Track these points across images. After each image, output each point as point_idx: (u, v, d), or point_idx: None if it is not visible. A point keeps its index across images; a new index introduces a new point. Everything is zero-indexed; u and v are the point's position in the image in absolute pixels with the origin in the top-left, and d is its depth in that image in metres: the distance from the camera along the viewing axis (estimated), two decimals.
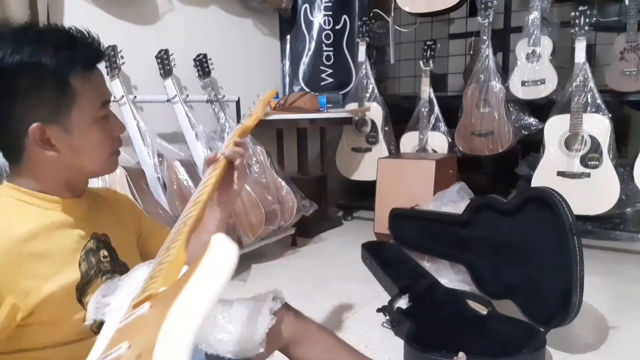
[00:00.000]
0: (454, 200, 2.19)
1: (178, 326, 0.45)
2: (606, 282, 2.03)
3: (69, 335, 0.75)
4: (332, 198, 3.22)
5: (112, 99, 0.86)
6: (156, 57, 2.32)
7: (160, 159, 2.12)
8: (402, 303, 1.73)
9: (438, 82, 3.47)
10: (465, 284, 1.87)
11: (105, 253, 0.83)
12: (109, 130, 0.80)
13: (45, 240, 0.73)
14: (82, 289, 0.76)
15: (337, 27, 3.24)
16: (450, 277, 1.96)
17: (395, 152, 3.07)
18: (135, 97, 2.21)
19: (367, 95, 3.10)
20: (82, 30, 0.79)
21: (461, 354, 1.25)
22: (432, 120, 2.90)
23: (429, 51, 2.85)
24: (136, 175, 1.96)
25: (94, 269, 0.79)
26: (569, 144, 2.40)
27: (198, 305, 0.47)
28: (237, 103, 2.74)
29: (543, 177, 2.46)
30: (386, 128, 3.10)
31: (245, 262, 2.33)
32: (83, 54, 0.76)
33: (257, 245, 2.35)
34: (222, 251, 0.50)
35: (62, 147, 0.75)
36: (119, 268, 0.84)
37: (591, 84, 2.36)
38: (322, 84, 3.27)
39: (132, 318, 0.55)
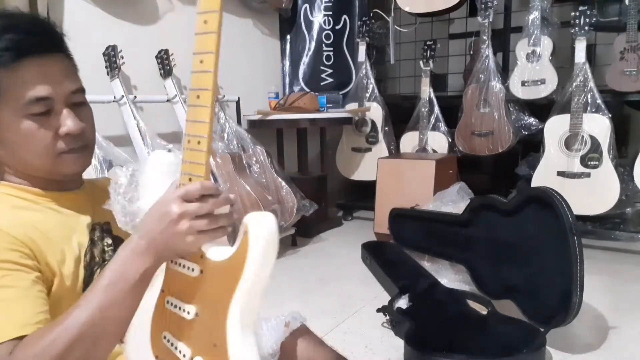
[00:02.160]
0: (454, 200, 2.19)
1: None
2: (606, 282, 2.03)
3: None
4: (332, 198, 3.22)
5: (57, 92, 0.72)
6: (156, 57, 2.32)
7: None
8: (402, 303, 1.74)
9: (438, 82, 3.47)
10: (465, 284, 1.87)
11: (109, 241, 0.83)
12: (48, 127, 0.72)
13: (43, 235, 0.73)
14: (87, 282, 0.77)
15: (337, 27, 3.24)
16: (450, 277, 1.96)
17: (395, 152, 3.07)
18: (135, 97, 2.21)
19: (367, 95, 3.10)
20: (28, 16, 0.72)
21: None
22: (432, 120, 2.90)
23: (429, 51, 2.85)
24: None
25: (95, 259, 0.79)
26: (569, 144, 2.40)
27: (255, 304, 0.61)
28: (237, 103, 2.74)
29: (543, 177, 2.46)
30: (386, 128, 3.10)
31: None
32: (10, 42, 0.68)
33: None
34: (263, 232, 0.58)
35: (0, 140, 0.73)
36: None
37: (591, 84, 2.36)
38: (322, 84, 3.27)
39: (180, 269, 0.65)
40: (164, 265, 0.67)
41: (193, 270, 0.63)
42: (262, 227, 0.58)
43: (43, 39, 0.72)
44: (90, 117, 0.79)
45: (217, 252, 0.62)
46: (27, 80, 0.70)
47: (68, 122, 0.73)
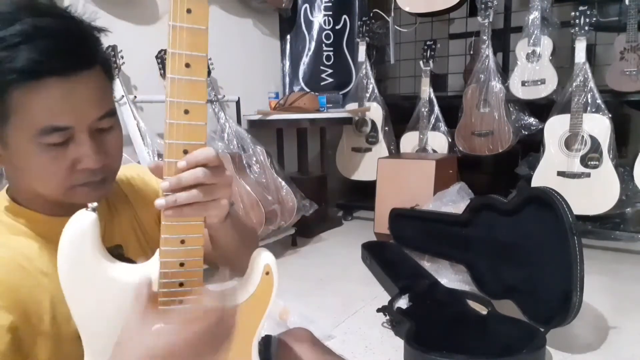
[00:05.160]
0: (454, 200, 2.19)
1: None
2: (606, 282, 2.03)
3: None
4: (332, 198, 3.22)
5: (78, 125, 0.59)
6: (156, 57, 2.32)
7: (160, 159, 2.12)
8: (402, 303, 1.74)
9: (438, 82, 3.47)
10: (465, 284, 1.87)
11: None
12: (64, 158, 0.60)
13: (30, 271, 0.63)
14: None
15: (337, 27, 3.24)
16: (450, 277, 1.96)
17: (395, 152, 3.07)
18: (135, 97, 2.21)
19: (367, 95, 3.10)
20: (58, 19, 0.58)
21: None
22: (432, 120, 2.90)
23: (429, 51, 2.86)
24: None
25: None
26: (569, 144, 2.40)
27: None
28: (237, 103, 2.74)
29: (543, 177, 2.46)
30: (386, 128, 3.10)
31: None
32: (28, 60, 0.54)
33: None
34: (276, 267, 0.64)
35: (4, 160, 0.62)
36: None
37: (591, 84, 2.36)
38: (322, 84, 3.27)
39: None
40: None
41: None
42: (274, 263, 0.64)
43: (74, 56, 0.58)
44: (116, 144, 0.66)
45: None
46: (46, 105, 0.57)
47: (88, 156, 0.61)
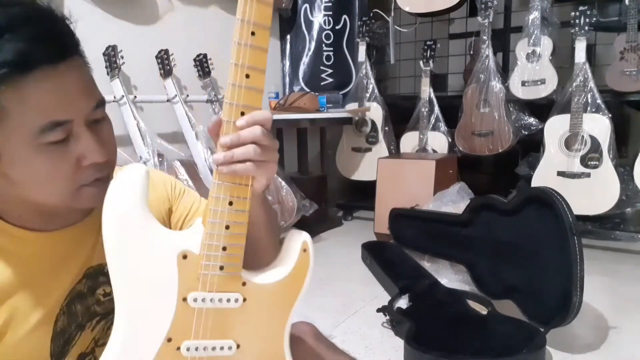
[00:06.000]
0: (454, 200, 2.19)
1: None
2: (606, 282, 2.03)
3: None
4: (332, 198, 3.22)
5: (79, 115, 0.56)
6: (156, 57, 2.32)
7: (160, 159, 2.12)
8: (402, 303, 1.74)
9: (438, 82, 3.47)
10: (465, 284, 1.87)
11: (108, 290, 0.67)
12: (68, 157, 0.56)
13: (9, 294, 0.60)
14: (61, 353, 0.64)
15: (337, 27, 3.24)
16: (450, 277, 1.96)
17: (395, 152, 3.07)
18: (135, 97, 2.21)
19: (367, 95, 3.10)
20: (31, 7, 0.54)
21: None
22: (432, 120, 2.90)
23: (429, 51, 2.85)
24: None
25: (77, 320, 0.65)
26: (569, 144, 2.40)
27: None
28: None
29: (543, 177, 2.46)
30: (386, 128, 3.10)
31: None
32: (13, 51, 0.50)
33: None
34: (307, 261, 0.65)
35: None
36: None
37: (591, 84, 2.36)
38: (322, 84, 3.27)
39: (221, 306, 0.60)
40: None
41: (237, 300, 0.61)
42: (311, 241, 0.65)
43: (58, 42, 0.55)
44: (111, 134, 0.63)
45: (262, 275, 0.63)
46: (43, 100, 0.52)
47: (93, 150, 0.57)
